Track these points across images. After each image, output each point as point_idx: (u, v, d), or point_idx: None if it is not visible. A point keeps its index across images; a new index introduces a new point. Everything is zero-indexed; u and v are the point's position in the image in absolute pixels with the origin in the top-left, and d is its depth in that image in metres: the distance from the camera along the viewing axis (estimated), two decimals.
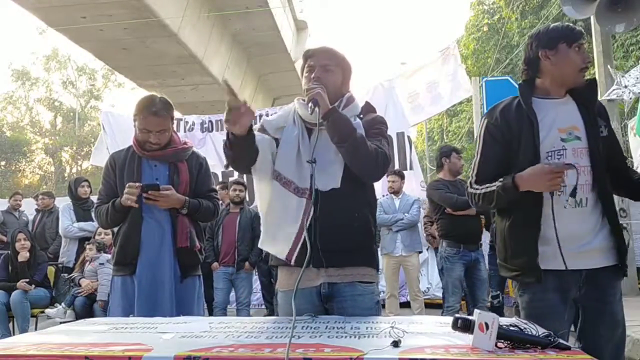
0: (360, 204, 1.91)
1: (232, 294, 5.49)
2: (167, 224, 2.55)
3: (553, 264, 1.85)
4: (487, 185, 1.91)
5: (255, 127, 1.95)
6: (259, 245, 1.98)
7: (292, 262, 1.83)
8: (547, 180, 1.75)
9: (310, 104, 1.81)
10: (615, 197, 2.00)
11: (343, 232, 1.84)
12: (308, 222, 1.81)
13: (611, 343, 1.85)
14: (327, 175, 1.86)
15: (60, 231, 6.17)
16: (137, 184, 2.47)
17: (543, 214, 1.86)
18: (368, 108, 2.05)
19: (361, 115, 1.99)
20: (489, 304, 4.56)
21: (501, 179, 1.86)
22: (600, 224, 1.87)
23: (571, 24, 1.93)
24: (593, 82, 1.97)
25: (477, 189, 1.96)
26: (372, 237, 1.96)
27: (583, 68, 1.90)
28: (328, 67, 1.95)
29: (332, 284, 1.85)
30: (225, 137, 1.85)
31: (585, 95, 1.93)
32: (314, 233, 1.81)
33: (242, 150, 1.84)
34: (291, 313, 1.81)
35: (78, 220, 5.91)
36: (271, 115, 2.09)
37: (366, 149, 1.81)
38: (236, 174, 6.45)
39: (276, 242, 1.89)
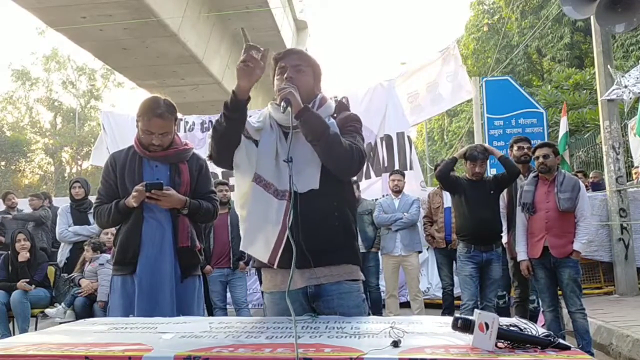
0: (339, 202, 1.91)
1: (227, 294, 5.48)
2: (167, 223, 2.54)
3: None
4: None
5: None
6: (240, 248, 1.95)
7: (275, 265, 1.82)
8: None
9: (282, 103, 1.81)
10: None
11: (324, 232, 1.84)
12: (290, 223, 1.79)
13: None
14: (305, 176, 1.86)
15: (56, 235, 6.17)
16: (143, 184, 2.46)
17: None
18: (341, 107, 2.07)
19: (335, 115, 2.00)
20: (495, 304, 4.55)
21: None
22: None
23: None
24: None
25: None
26: (354, 235, 1.96)
27: None
28: (300, 68, 1.96)
29: (318, 284, 1.85)
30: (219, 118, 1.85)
31: None
32: (296, 235, 1.79)
33: (234, 126, 1.82)
34: (278, 314, 1.84)
35: (75, 223, 5.89)
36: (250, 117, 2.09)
37: (340, 145, 1.81)
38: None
39: (257, 246, 1.87)
